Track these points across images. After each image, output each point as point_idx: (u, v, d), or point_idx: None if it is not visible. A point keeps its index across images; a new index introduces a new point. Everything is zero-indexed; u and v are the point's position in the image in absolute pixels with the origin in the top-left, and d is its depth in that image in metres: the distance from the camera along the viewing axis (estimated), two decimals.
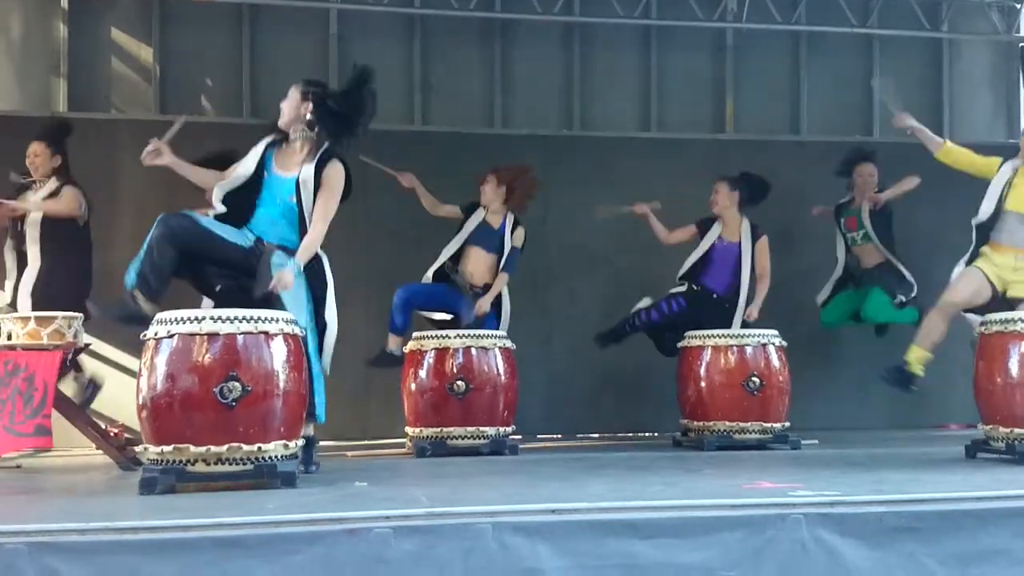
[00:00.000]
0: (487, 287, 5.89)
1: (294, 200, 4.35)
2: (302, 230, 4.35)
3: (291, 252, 4.30)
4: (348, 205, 6.93)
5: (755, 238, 6.22)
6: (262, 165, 4.39)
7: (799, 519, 3.00)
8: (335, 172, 4.36)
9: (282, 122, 4.43)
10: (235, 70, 7.26)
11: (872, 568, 3.01)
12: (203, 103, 7.29)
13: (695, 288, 6.16)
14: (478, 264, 5.94)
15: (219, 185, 4.40)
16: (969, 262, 5.03)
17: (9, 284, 5.57)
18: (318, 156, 4.35)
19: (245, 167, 4.40)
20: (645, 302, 6.21)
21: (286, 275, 4.14)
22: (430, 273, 5.91)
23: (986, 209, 5.01)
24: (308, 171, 4.34)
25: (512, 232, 6.00)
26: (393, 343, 5.79)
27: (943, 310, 5.07)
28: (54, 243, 5.48)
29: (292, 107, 4.42)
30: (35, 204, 5.48)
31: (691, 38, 7.84)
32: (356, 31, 7.43)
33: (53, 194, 5.53)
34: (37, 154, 5.60)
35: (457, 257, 5.95)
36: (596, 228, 7.16)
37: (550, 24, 7.66)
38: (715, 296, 6.14)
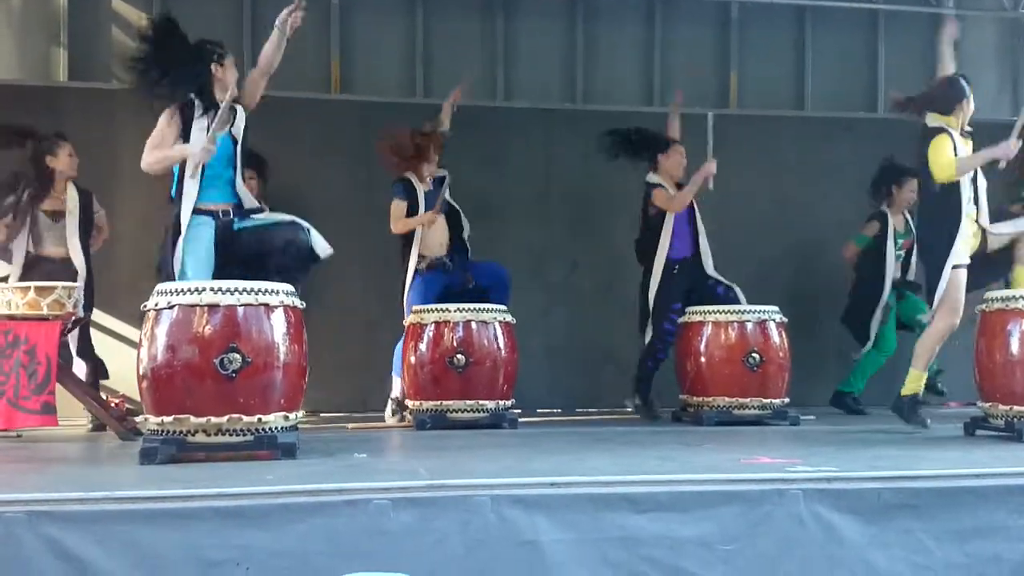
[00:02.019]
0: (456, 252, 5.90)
1: (231, 149, 4.46)
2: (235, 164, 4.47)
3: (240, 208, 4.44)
4: (347, 178, 6.95)
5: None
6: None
7: (797, 494, 3.01)
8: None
9: (231, 95, 4.41)
10: (236, 41, 7.19)
11: (869, 544, 3.02)
12: None
13: (673, 271, 6.06)
14: (440, 233, 5.90)
15: (164, 151, 4.44)
16: (942, 258, 4.82)
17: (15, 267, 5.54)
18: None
19: (195, 135, 4.40)
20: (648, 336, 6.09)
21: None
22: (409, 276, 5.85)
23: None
24: (240, 120, 4.50)
25: (445, 187, 5.96)
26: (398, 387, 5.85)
27: (950, 331, 4.86)
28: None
29: (232, 75, 4.53)
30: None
31: (695, 11, 7.78)
32: (359, 4, 7.38)
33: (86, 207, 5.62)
34: (72, 155, 5.67)
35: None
36: (596, 201, 7.15)
37: None
38: (689, 260, 6.07)
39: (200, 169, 4.35)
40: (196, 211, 4.36)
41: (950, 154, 4.84)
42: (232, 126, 4.48)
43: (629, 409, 6.24)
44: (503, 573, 2.83)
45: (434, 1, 7.46)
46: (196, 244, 4.32)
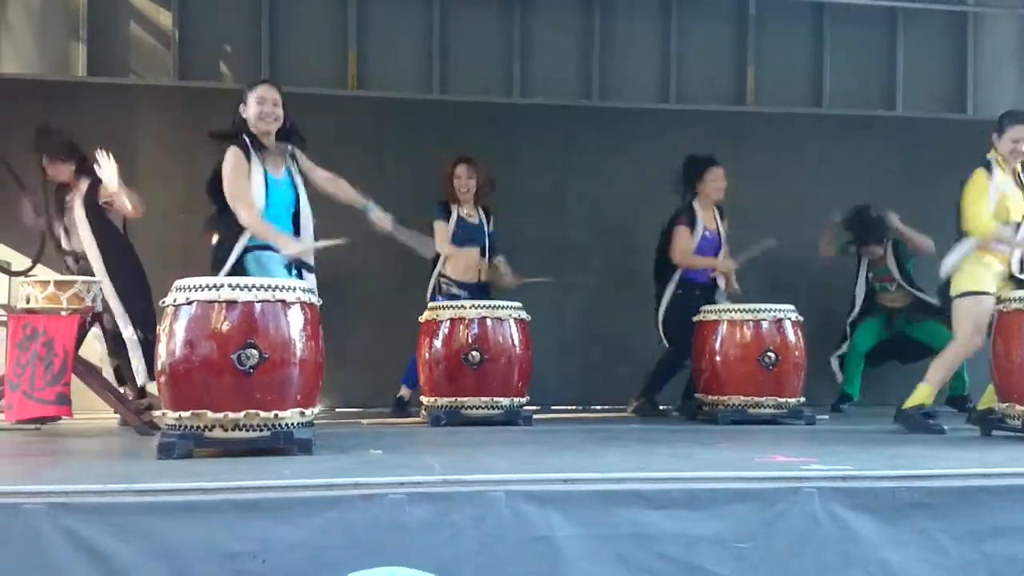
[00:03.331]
0: (481, 283, 5.96)
1: (293, 197, 4.38)
2: (295, 225, 4.38)
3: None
4: (364, 174, 6.95)
5: (723, 217, 6.23)
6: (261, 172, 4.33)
7: (812, 493, 3.01)
8: (301, 156, 4.49)
9: (272, 125, 4.31)
10: (254, 36, 7.25)
11: (884, 543, 3.02)
12: (221, 69, 7.28)
13: (679, 292, 6.11)
14: (465, 261, 5.96)
15: (265, 224, 4.26)
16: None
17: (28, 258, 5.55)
18: (287, 151, 4.42)
19: (255, 183, 4.27)
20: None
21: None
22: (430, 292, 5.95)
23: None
24: (293, 166, 4.41)
25: (488, 222, 6.05)
26: (406, 392, 6.01)
27: (969, 354, 4.91)
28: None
29: (281, 112, 4.34)
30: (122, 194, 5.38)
31: (712, 7, 7.76)
32: None
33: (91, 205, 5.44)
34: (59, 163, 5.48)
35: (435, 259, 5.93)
36: (611, 198, 7.15)
37: None
38: (700, 288, 6.13)
39: (263, 207, 4.30)
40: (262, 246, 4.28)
41: (985, 209, 4.81)
42: (283, 173, 4.40)
43: (628, 411, 6.27)
44: (517, 568, 2.84)
45: None
46: (269, 265, 4.26)
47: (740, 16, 7.84)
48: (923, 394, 4.93)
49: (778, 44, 7.84)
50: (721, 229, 6.21)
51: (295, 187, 4.39)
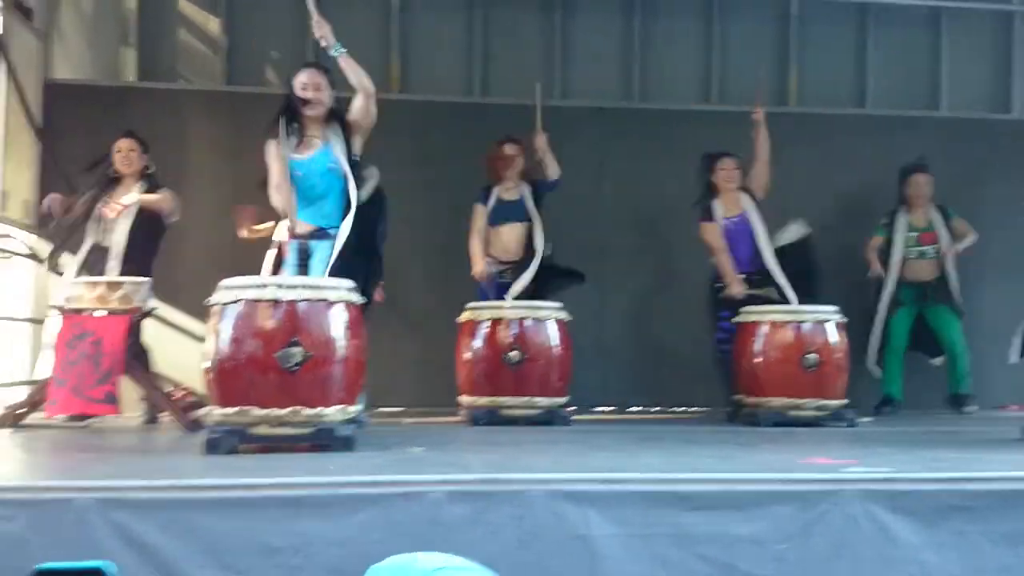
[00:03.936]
0: (520, 261, 5.94)
1: (334, 166, 4.46)
2: (345, 195, 4.44)
3: (331, 230, 4.47)
4: (406, 176, 7.04)
5: (754, 199, 6.16)
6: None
7: (852, 495, 2.99)
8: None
9: (317, 111, 4.46)
10: (301, 42, 7.33)
11: (923, 545, 2.99)
12: (269, 75, 7.39)
13: (719, 284, 6.07)
14: (510, 239, 6.00)
15: (282, 202, 4.45)
16: None
17: (73, 266, 5.60)
18: (335, 126, 4.50)
19: (281, 169, 4.43)
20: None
21: None
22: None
23: None
24: (337, 140, 4.46)
25: (534, 197, 6.04)
26: None
27: None
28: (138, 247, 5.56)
29: (328, 95, 4.50)
30: (141, 200, 5.51)
31: (754, 7, 7.73)
32: (418, 2, 7.46)
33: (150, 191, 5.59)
34: (132, 149, 5.63)
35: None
36: (651, 200, 7.14)
37: None
38: (743, 276, 6.07)
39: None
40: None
41: None
42: (320, 148, 4.50)
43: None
44: (555, 566, 2.86)
45: (492, 1, 7.51)
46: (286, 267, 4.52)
47: (782, 16, 7.79)
48: None
49: (821, 44, 7.78)
50: (750, 214, 6.12)
51: (329, 159, 4.46)
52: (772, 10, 7.79)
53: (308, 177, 4.49)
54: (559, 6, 7.57)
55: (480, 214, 6.05)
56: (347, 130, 4.51)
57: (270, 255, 4.66)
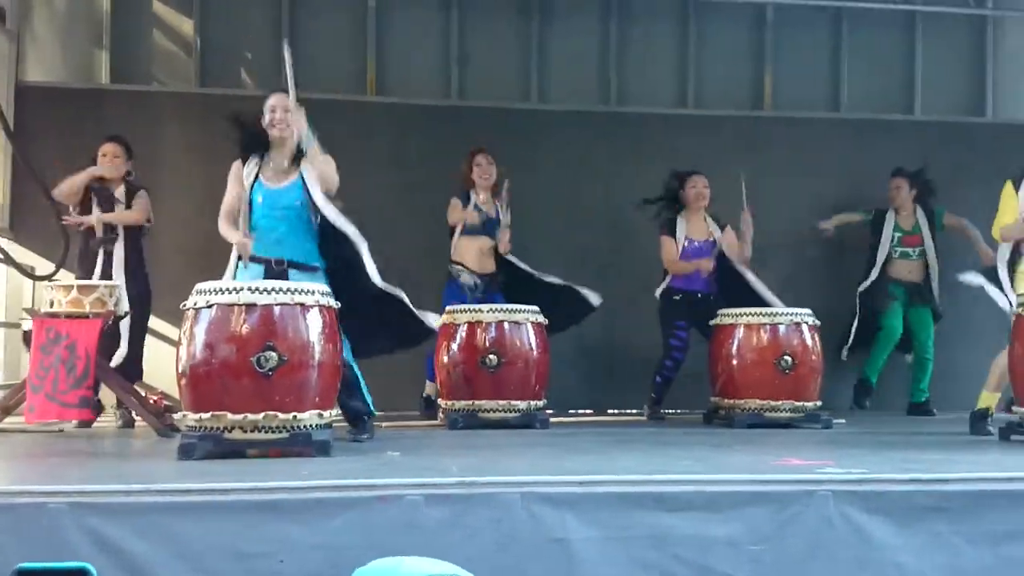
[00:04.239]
0: (493, 274, 6.01)
1: (301, 203, 4.38)
2: (309, 232, 4.41)
3: (311, 268, 4.39)
4: (383, 180, 7.02)
5: (722, 228, 6.29)
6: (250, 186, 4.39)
7: (826, 495, 3.01)
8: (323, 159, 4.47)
9: (285, 131, 4.37)
10: (274, 43, 7.29)
11: (900, 546, 3.01)
12: (243, 76, 7.35)
13: (676, 298, 6.21)
14: (483, 252, 6.04)
15: (230, 227, 4.39)
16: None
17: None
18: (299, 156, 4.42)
19: (239, 194, 4.39)
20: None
21: None
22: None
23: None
24: (308, 169, 4.38)
25: (505, 211, 6.07)
26: (431, 389, 6.05)
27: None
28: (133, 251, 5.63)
29: (301, 123, 4.38)
30: (113, 217, 5.54)
31: (730, 13, 7.76)
32: (394, 4, 7.45)
33: (128, 201, 5.62)
34: (116, 155, 5.62)
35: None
36: (629, 203, 7.15)
37: None
38: (699, 296, 6.18)
39: (248, 216, 4.37)
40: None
41: (1008, 216, 4.98)
42: (291, 180, 4.42)
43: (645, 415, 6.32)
44: (533, 569, 2.86)
45: (469, 4, 7.51)
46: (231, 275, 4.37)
47: (758, 21, 7.83)
48: (988, 401, 5.07)
49: (796, 49, 7.83)
50: (717, 238, 6.24)
51: (303, 190, 4.38)
52: (747, 15, 7.82)
53: (273, 207, 4.37)
54: (536, 11, 7.57)
55: (458, 204, 6.06)
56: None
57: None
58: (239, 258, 4.37)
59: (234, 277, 4.34)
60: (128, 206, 5.61)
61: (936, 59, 7.94)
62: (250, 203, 4.37)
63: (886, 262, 6.83)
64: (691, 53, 7.72)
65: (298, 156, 4.41)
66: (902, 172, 6.88)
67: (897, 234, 6.85)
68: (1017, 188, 4.99)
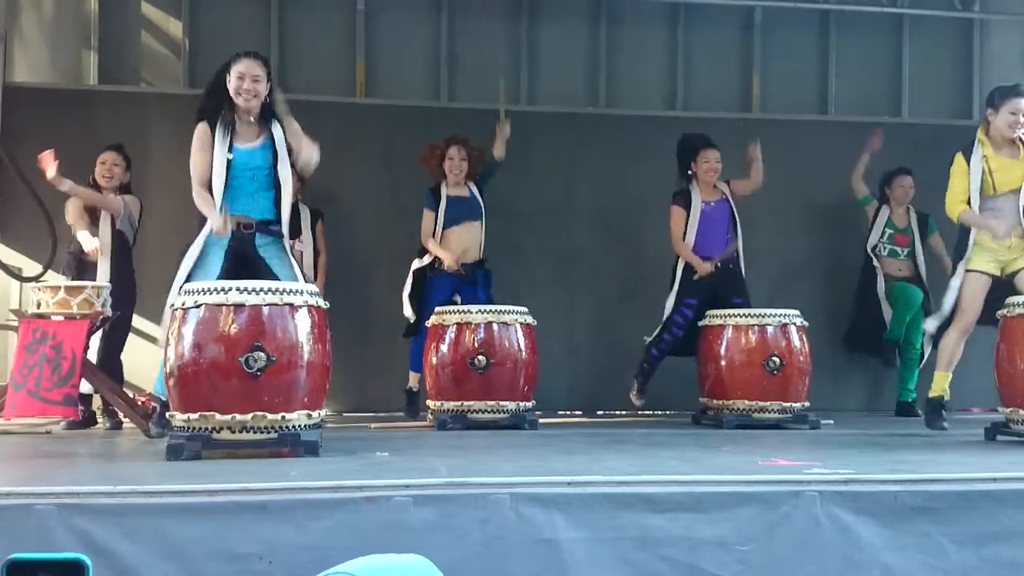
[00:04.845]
0: (478, 263, 6.02)
1: (269, 164, 4.40)
2: (276, 194, 4.42)
3: (274, 226, 4.41)
4: (372, 181, 7.02)
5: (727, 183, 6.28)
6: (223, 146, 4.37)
7: (813, 496, 3.02)
8: (288, 118, 4.46)
9: (251, 101, 4.35)
10: (263, 44, 7.27)
11: (886, 546, 3.03)
12: None
13: (692, 271, 6.15)
14: (464, 240, 6.02)
15: (206, 200, 4.37)
16: (958, 258, 5.03)
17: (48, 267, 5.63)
18: (268, 120, 4.43)
19: (216, 157, 4.36)
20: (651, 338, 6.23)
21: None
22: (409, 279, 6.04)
23: (974, 199, 4.98)
24: (279, 133, 4.39)
25: (481, 194, 6.11)
26: (414, 381, 6.05)
27: (964, 332, 5.00)
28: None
29: (263, 87, 4.39)
30: (87, 195, 5.49)
31: (719, 16, 7.79)
32: (383, 5, 7.45)
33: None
34: (116, 164, 5.61)
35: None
36: (619, 204, 7.18)
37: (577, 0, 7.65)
38: (718, 264, 6.14)
39: (224, 176, 4.36)
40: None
41: (959, 191, 5.01)
42: (261, 140, 4.43)
43: (631, 398, 6.31)
44: (521, 570, 2.86)
45: (459, 5, 7.52)
46: (200, 247, 4.37)
47: (746, 24, 7.86)
48: (937, 381, 5.13)
49: (784, 52, 7.85)
50: (732, 207, 6.22)
51: (271, 153, 4.40)
52: (736, 17, 7.85)
53: (237, 167, 4.37)
54: (525, 13, 7.58)
55: (429, 219, 6.05)
56: (282, 127, 4.44)
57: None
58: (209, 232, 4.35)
59: (202, 250, 4.35)
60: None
61: (923, 62, 7.98)
62: (227, 165, 4.35)
63: (872, 259, 6.87)
64: (680, 55, 7.74)
65: (267, 116, 4.41)
66: (908, 171, 6.90)
67: (889, 230, 6.88)
68: (967, 160, 5.00)
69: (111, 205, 5.56)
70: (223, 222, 4.27)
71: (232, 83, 4.37)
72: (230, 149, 4.35)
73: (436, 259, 6.00)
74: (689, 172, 6.28)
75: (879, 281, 6.78)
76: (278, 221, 4.45)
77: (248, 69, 4.37)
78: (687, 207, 6.18)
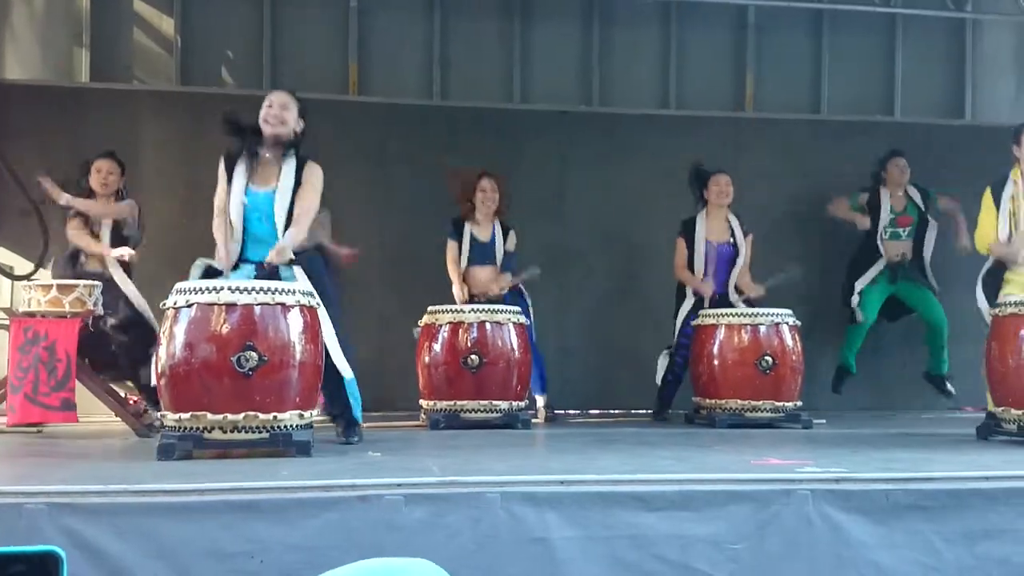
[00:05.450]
0: (499, 299, 5.95)
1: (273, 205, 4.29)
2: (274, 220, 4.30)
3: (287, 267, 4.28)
4: (365, 179, 7.02)
5: (745, 234, 6.27)
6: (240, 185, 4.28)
7: (805, 494, 3.03)
8: (316, 173, 4.35)
9: (279, 131, 4.27)
10: (256, 42, 7.28)
11: (877, 544, 3.04)
12: (224, 75, 7.33)
13: (695, 300, 6.14)
14: (487, 279, 5.99)
15: (220, 235, 4.29)
16: (989, 285, 5.01)
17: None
18: (294, 161, 4.31)
19: (233, 196, 4.26)
20: (663, 361, 6.23)
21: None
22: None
23: (1003, 232, 5.00)
24: (289, 178, 4.28)
25: (505, 239, 6.06)
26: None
27: None
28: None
29: (292, 118, 4.31)
30: (72, 201, 5.40)
31: (712, 15, 7.79)
32: (377, 4, 7.44)
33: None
34: (111, 172, 5.54)
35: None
36: (612, 203, 7.18)
37: None
38: (716, 297, 6.17)
39: (241, 216, 4.27)
40: (242, 258, 4.29)
41: (987, 225, 5.09)
42: (269, 180, 4.32)
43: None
44: (513, 569, 2.86)
45: (452, 4, 7.51)
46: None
47: (739, 24, 7.86)
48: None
49: (777, 51, 7.86)
50: (738, 239, 6.23)
51: (279, 195, 4.28)
52: (729, 17, 7.85)
53: (257, 210, 4.28)
54: (518, 12, 7.58)
55: (453, 248, 6.01)
56: (301, 175, 4.32)
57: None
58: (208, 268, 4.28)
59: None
60: (118, 228, 5.53)
61: (916, 61, 8.00)
62: (243, 204, 4.27)
63: (875, 245, 6.83)
64: (673, 54, 7.74)
65: (288, 152, 4.31)
66: (901, 152, 6.88)
67: (890, 215, 6.87)
68: (996, 196, 5.03)
69: (120, 211, 5.51)
70: (228, 265, 4.21)
71: (261, 112, 4.30)
72: (246, 192, 4.26)
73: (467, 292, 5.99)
74: (701, 198, 6.29)
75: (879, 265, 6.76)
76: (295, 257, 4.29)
77: (277, 99, 4.32)
78: (688, 239, 6.21)
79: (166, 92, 7.08)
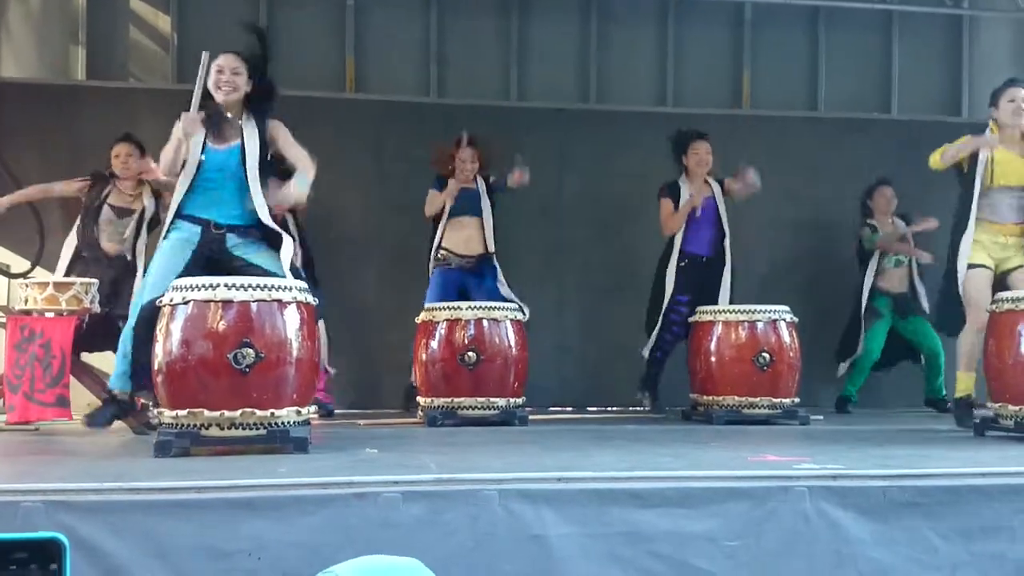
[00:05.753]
0: (483, 255, 5.99)
1: (241, 168, 4.25)
2: (246, 199, 4.25)
3: (245, 229, 4.26)
4: (362, 176, 7.01)
5: (722, 187, 6.26)
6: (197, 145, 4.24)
7: (802, 491, 3.02)
8: (282, 127, 4.34)
9: (231, 97, 4.25)
10: (253, 40, 7.25)
11: (874, 541, 3.03)
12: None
13: (682, 264, 6.16)
14: (469, 232, 6.04)
15: (176, 183, 4.27)
16: (953, 257, 5.02)
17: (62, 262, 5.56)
18: (253, 119, 4.30)
19: (190, 156, 4.23)
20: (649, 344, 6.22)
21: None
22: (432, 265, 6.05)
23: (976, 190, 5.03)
24: (252, 137, 4.26)
25: (488, 186, 6.14)
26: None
27: (980, 328, 4.87)
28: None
29: (243, 81, 4.29)
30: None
31: (709, 12, 7.79)
32: (373, 1, 7.43)
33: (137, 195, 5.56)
34: (129, 154, 5.56)
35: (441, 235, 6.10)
36: (609, 200, 7.18)
37: None
38: (704, 260, 6.16)
39: (192, 175, 4.22)
40: (181, 215, 4.24)
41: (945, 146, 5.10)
42: (230, 139, 4.28)
43: (645, 408, 6.29)
44: (510, 566, 2.86)
45: (448, 1, 7.50)
46: (167, 243, 4.23)
47: (736, 21, 7.87)
48: (961, 381, 5.08)
49: (774, 48, 7.87)
50: (719, 203, 6.23)
51: (243, 154, 4.24)
52: (726, 14, 7.85)
53: (209, 169, 4.23)
54: (515, 8, 7.57)
55: (435, 195, 6.08)
56: (265, 129, 4.29)
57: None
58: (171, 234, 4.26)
59: (166, 235, 4.25)
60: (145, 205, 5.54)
61: (913, 58, 8.00)
62: (198, 165, 4.23)
63: (876, 272, 6.81)
64: (670, 51, 7.75)
65: (247, 112, 4.29)
66: (888, 181, 6.87)
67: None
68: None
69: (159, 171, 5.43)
70: (191, 118, 4.17)
71: (212, 78, 4.28)
72: (203, 150, 4.23)
73: (442, 253, 6.01)
74: (681, 164, 6.28)
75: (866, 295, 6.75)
76: (255, 225, 4.26)
77: (226, 62, 4.30)
78: (674, 198, 6.20)
79: (162, 90, 7.05)
